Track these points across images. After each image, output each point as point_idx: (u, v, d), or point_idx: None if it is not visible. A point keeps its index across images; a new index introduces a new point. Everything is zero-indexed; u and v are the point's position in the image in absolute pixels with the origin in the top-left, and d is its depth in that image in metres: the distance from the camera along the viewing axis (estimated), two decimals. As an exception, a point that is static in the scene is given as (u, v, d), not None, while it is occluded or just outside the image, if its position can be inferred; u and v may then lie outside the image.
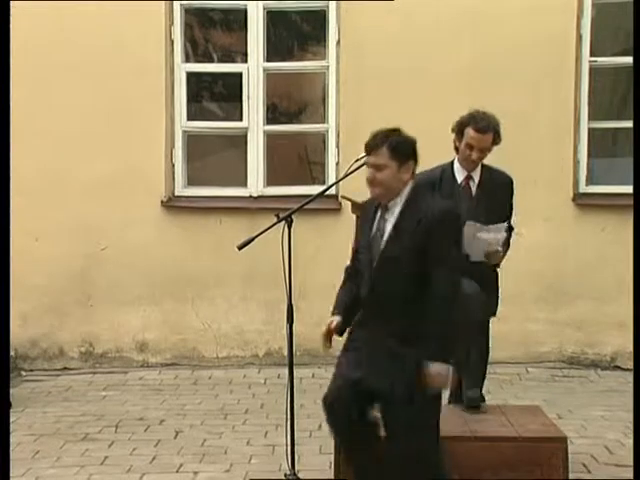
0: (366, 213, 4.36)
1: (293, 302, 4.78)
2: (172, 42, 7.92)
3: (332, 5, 7.84)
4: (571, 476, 4.81)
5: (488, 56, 7.54)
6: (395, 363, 4.07)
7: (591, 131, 7.87)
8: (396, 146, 4.17)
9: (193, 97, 8.27)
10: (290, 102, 9.10)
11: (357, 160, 4.90)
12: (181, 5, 7.95)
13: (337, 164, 7.82)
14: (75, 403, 6.93)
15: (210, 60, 8.69)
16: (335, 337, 4.43)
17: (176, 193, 7.98)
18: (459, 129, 5.32)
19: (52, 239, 7.79)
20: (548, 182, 7.67)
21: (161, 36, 7.84)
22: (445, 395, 4.60)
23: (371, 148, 4.24)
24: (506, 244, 5.31)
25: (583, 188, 7.86)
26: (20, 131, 7.28)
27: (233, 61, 8.47)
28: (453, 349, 4.12)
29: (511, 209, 5.44)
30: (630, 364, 7.23)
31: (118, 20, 7.69)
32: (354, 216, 4.98)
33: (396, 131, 4.22)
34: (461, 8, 7.58)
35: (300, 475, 4.87)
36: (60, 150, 7.77)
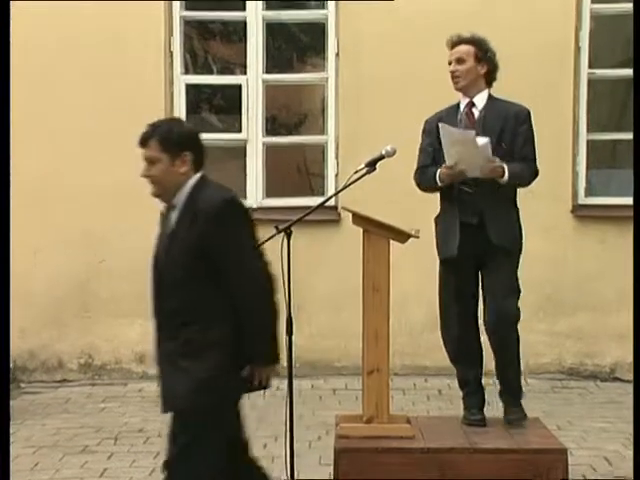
0: (163, 218, 3.99)
1: (292, 314, 4.77)
2: (171, 54, 7.93)
3: (331, 17, 7.86)
4: (571, 487, 4.82)
5: (487, 68, 7.55)
6: (179, 379, 3.75)
7: (590, 143, 7.89)
8: (166, 137, 3.83)
9: (192, 109, 8.28)
10: (289, 114, 9.13)
11: (356, 171, 4.92)
12: (181, 17, 7.97)
13: (336, 175, 7.83)
14: (74, 415, 6.92)
15: (209, 72, 8.73)
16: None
17: (175, 205, 7.98)
18: None
19: (52, 251, 7.79)
20: (547, 193, 7.66)
21: (160, 48, 7.85)
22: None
23: (141, 141, 3.88)
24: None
25: (582, 200, 7.87)
26: (20, 143, 7.30)
27: (232, 73, 8.51)
28: (277, 347, 3.89)
29: (528, 144, 5.18)
30: (630, 375, 7.21)
31: (117, 32, 7.71)
32: (355, 227, 5.00)
33: (172, 121, 3.81)
34: (461, 20, 7.55)
35: (299, 487, 4.86)
36: (60, 161, 7.77)
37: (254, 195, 7.94)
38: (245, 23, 7.97)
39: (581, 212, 7.82)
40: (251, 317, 3.74)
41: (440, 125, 5.07)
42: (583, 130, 7.83)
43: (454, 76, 5.21)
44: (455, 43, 5.22)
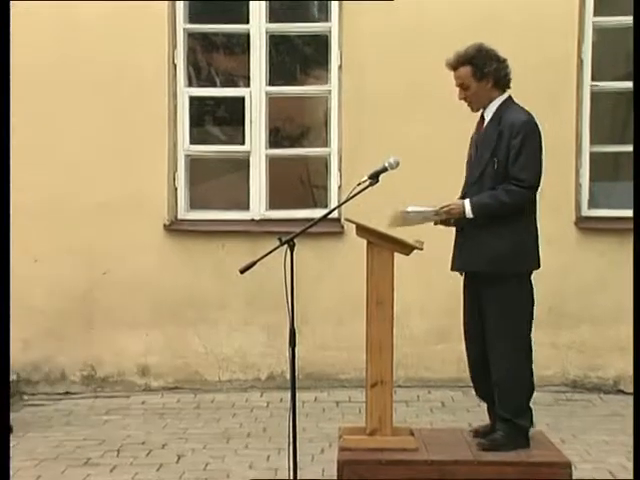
0: None
1: (295, 326, 4.76)
2: (175, 66, 7.95)
3: (334, 29, 7.88)
4: (575, 501, 4.80)
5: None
6: None
7: (593, 155, 7.90)
8: None
9: (196, 121, 8.29)
10: (292, 126, 9.12)
11: (359, 184, 4.93)
12: (184, 29, 7.99)
13: (339, 187, 7.83)
14: (77, 427, 6.91)
15: (213, 84, 8.72)
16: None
17: (179, 217, 7.99)
18: None
19: (54, 262, 7.79)
20: (550, 206, 7.64)
21: (164, 60, 7.87)
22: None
23: None
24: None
25: (585, 212, 7.87)
26: (23, 154, 7.31)
27: (236, 85, 8.51)
28: None
29: (520, 160, 4.92)
30: (633, 388, 7.21)
31: (120, 44, 7.72)
32: (358, 239, 5.00)
33: None
34: (463, 33, 7.55)
35: (303, 499, 4.85)
36: (63, 173, 7.78)
37: (257, 207, 7.93)
38: (248, 35, 7.99)
39: (584, 224, 7.82)
40: None
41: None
42: (586, 142, 7.84)
43: (466, 102, 5.14)
44: (453, 67, 5.09)
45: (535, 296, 5.21)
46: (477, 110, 5.18)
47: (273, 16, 8.00)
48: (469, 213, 4.98)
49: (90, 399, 7.74)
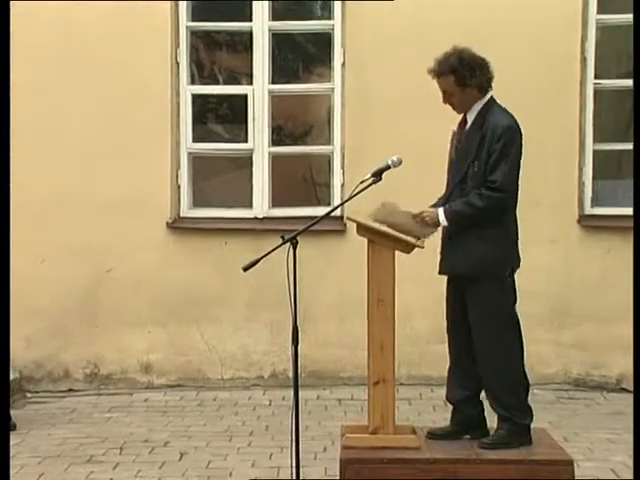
0: None
1: (298, 324, 4.76)
2: (178, 64, 7.95)
3: (337, 27, 7.88)
4: (578, 499, 4.80)
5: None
6: None
7: (596, 153, 7.89)
8: None
9: (198, 119, 8.29)
10: (295, 124, 9.11)
11: (362, 182, 4.93)
12: (187, 27, 7.99)
13: (342, 185, 7.83)
14: (80, 425, 6.92)
15: (216, 82, 8.71)
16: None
17: (181, 214, 8.00)
18: None
19: (58, 260, 7.79)
20: (553, 204, 7.67)
21: (167, 58, 7.87)
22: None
23: None
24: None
25: (588, 210, 7.86)
26: (25, 152, 7.32)
27: (238, 83, 8.50)
28: None
29: (499, 166, 4.85)
30: (637, 386, 7.20)
31: (123, 42, 7.72)
32: (360, 238, 5.00)
33: None
34: (465, 31, 7.57)
35: (305, 497, 4.85)
36: (65, 171, 7.78)
37: (260, 205, 7.93)
38: (251, 33, 7.99)
39: (587, 222, 7.81)
40: None
41: None
42: (589, 140, 7.83)
43: (451, 106, 5.15)
44: (436, 75, 5.10)
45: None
46: (462, 112, 5.18)
47: (276, 14, 8.00)
48: (443, 221, 4.99)
49: (93, 397, 7.75)
